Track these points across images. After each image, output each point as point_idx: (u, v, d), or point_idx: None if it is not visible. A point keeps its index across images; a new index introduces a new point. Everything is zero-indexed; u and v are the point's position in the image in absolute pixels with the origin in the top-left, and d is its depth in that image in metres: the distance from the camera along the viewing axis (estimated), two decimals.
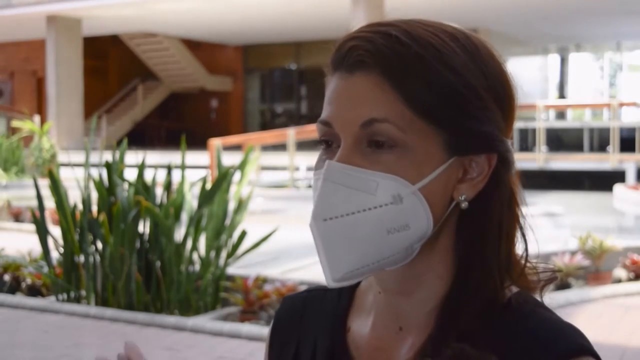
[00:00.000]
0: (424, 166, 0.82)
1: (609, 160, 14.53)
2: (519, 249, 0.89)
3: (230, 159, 8.33)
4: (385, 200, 0.81)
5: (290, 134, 14.95)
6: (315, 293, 1.01)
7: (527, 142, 16.57)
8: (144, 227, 5.65)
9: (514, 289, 0.87)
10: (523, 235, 0.89)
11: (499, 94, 0.86)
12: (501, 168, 0.86)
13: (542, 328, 0.82)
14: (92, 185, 5.73)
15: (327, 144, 0.86)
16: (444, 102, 0.82)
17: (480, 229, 0.85)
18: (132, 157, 6.13)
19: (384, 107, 0.81)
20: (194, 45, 25.44)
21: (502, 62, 0.88)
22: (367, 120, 0.81)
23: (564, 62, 28.31)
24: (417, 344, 0.86)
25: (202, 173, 6.48)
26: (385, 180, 0.81)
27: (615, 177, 13.78)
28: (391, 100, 0.81)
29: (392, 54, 0.82)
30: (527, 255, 0.89)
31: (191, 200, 5.80)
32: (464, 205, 0.85)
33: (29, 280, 6.34)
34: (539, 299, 0.89)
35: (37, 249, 6.38)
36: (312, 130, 13.14)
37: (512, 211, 0.87)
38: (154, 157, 9.81)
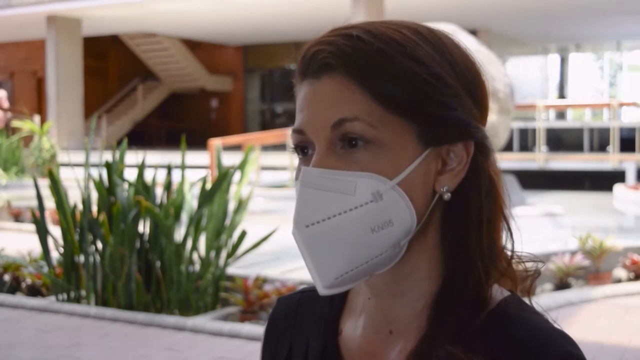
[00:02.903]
0: (401, 160, 0.82)
1: (609, 160, 14.52)
2: (503, 239, 0.88)
3: (230, 159, 8.33)
4: (365, 199, 0.81)
5: (290, 134, 14.93)
6: (308, 294, 1.01)
7: (527, 142, 16.57)
8: (144, 227, 5.65)
9: (504, 293, 0.87)
10: (507, 224, 0.88)
11: (468, 81, 0.86)
12: (479, 156, 0.86)
13: (532, 335, 0.82)
14: (92, 185, 5.73)
15: (303, 152, 0.86)
16: (412, 94, 0.82)
17: (462, 219, 0.85)
18: (132, 157, 6.13)
19: (353, 105, 0.81)
20: (194, 45, 25.43)
21: (470, 53, 0.88)
22: (337, 121, 0.81)
23: (564, 62, 28.31)
24: (408, 348, 0.86)
25: (202, 173, 6.48)
26: (363, 179, 0.81)
27: (615, 177, 13.77)
28: (359, 98, 0.81)
29: (354, 52, 0.82)
30: (513, 244, 0.88)
31: (191, 200, 5.80)
32: (447, 196, 0.84)
33: (29, 280, 6.34)
34: (528, 301, 0.88)
35: (37, 249, 6.38)
36: None
37: (492, 198, 0.87)
38: (154, 157, 9.82)
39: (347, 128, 0.81)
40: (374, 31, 0.83)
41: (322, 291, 0.83)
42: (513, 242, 0.89)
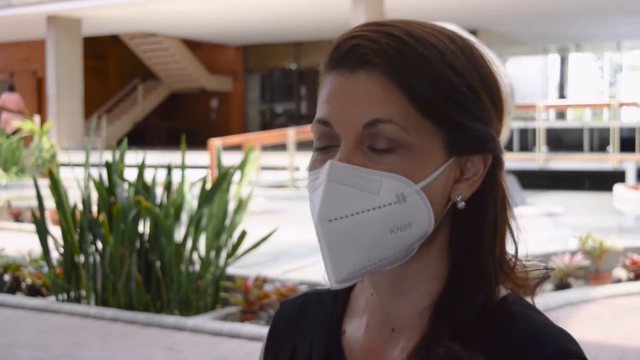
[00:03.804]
0: (426, 166, 0.83)
1: (609, 160, 14.52)
2: (510, 247, 0.90)
3: (230, 159, 8.33)
4: (389, 200, 0.81)
5: (290, 134, 14.95)
6: (311, 297, 1.02)
7: (527, 142, 16.57)
8: (144, 227, 5.65)
9: (506, 291, 0.88)
10: (512, 234, 0.89)
11: (494, 96, 0.87)
12: (495, 168, 0.87)
13: (530, 331, 0.82)
14: (92, 185, 5.73)
15: (323, 143, 0.85)
16: (448, 102, 0.82)
17: (475, 228, 0.86)
18: (132, 157, 6.13)
19: (388, 107, 0.81)
20: (194, 45, 25.43)
21: (495, 66, 0.90)
22: (371, 121, 0.81)
23: (564, 62, 28.31)
24: (410, 346, 0.86)
25: (202, 173, 6.48)
26: (389, 179, 0.81)
27: (615, 177, 13.76)
28: (395, 100, 0.81)
29: (397, 53, 0.82)
30: (517, 252, 0.90)
31: (191, 200, 5.80)
32: (461, 205, 0.85)
33: (29, 280, 6.34)
34: (529, 300, 0.89)
35: (37, 249, 6.37)
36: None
37: (504, 210, 0.89)
38: (154, 157, 9.80)
39: (379, 129, 0.81)
40: (414, 34, 0.84)
41: (334, 285, 0.83)
42: (517, 251, 0.90)
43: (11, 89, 19.72)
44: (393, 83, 0.81)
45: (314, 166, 0.85)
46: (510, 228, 0.89)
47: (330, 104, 0.84)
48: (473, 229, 0.86)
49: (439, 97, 0.82)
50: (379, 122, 0.81)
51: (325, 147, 0.85)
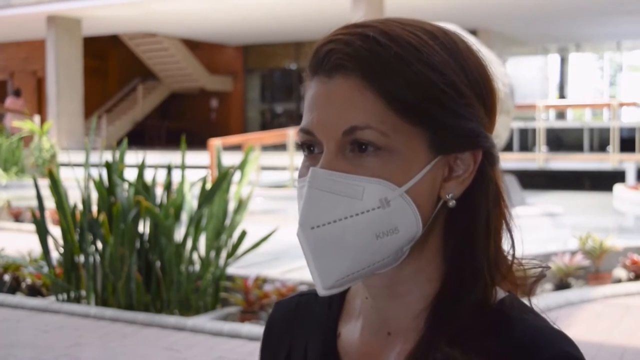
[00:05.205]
0: (410, 167, 0.81)
1: (609, 160, 14.52)
2: (506, 245, 0.88)
3: (230, 159, 8.33)
4: (373, 205, 0.80)
5: (290, 134, 14.94)
6: (306, 297, 1.01)
7: (527, 142, 16.57)
8: (144, 227, 5.65)
9: (503, 293, 0.86)
10: (509, 231, 0.87)
11: (481, 89, 0.85)
12: (486, 164, 0.85)
13: (529, 334, 0.81)
14: (92, 185, 5.73)
15: (310, 149, 0.84)
16: (427, 102, 0.80)
17: (468, 226, 0.84)
18: (132, 157, 6.13)
19: (365, 112, 0.80)
20: (194, 45, 25.42)
21: (482, 57, 0.87)
22: (349, 129, 0.80)
23: (564, 62, 28.30)
24: (406, 350, 0.85)
25: (202, 173, 6.48)
26: (371, 184, 0.80)
27: (615, 177, 13.77)
28: (372, 104, 0.80)
29: (370, 55, 0.80)
30: (514, 250, 0.88)
31: (191, 200, 5.80)
32: (452, 203, 0.84)
33: (29, 280, 6.34)
34: (527, 302, 0.88)
35: (37, 249, 6.37)
36: None
37: (498, 206, 0.86)
38: (154, 157, 9.81)
39: (358, 135, 0.80)
40: (391, 33, 0.82)
41: (322, 292, 0.82)
42: (514, 249, 0.88)
43: (17, 94, 19.71)
44: (368, 87, 0.80)
45: (301, 173, 0.84)
46: (506, 225, 0.87)
47: (312, 112, 0.83)
48: (466, 227, 0.84)
49: (416, 97, 0.80)
50: (356, 129, 0.80)
51: (311, 153, 0.84)
